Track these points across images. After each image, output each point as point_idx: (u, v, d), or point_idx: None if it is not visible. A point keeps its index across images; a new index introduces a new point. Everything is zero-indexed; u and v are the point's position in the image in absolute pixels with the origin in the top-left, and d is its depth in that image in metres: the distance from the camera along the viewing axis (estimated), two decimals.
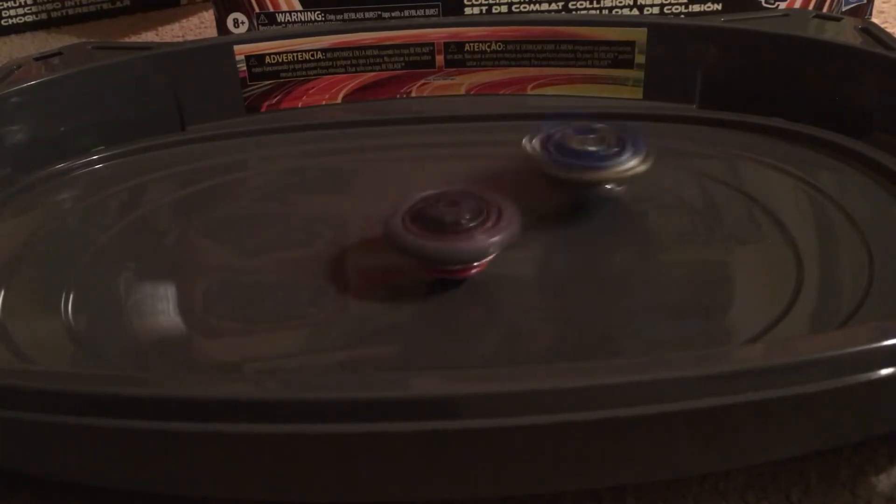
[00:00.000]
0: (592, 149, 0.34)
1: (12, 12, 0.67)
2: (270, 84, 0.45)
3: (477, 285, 0.31)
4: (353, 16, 0.54)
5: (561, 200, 0.36)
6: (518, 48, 0.45)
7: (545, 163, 0.34)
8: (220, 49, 0.44)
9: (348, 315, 0.31)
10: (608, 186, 0.35)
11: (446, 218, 0.30)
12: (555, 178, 0.34)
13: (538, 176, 0.34)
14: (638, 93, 0.44)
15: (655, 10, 0.54)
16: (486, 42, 0.45)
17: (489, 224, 0.30)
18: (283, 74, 0.45)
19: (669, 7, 0.54)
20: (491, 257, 0.30)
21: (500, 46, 0.45)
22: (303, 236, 0.35)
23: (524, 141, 0.35)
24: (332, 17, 0.54)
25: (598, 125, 0.35)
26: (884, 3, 0.62)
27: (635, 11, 0.54)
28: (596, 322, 0.30)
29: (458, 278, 0.31)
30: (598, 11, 0.54)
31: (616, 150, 0.33)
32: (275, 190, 0.39)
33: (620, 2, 0.54)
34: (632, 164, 0.33)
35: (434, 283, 0.31)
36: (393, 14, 0.54)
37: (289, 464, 0.21)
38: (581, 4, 0.54)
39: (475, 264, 0.30)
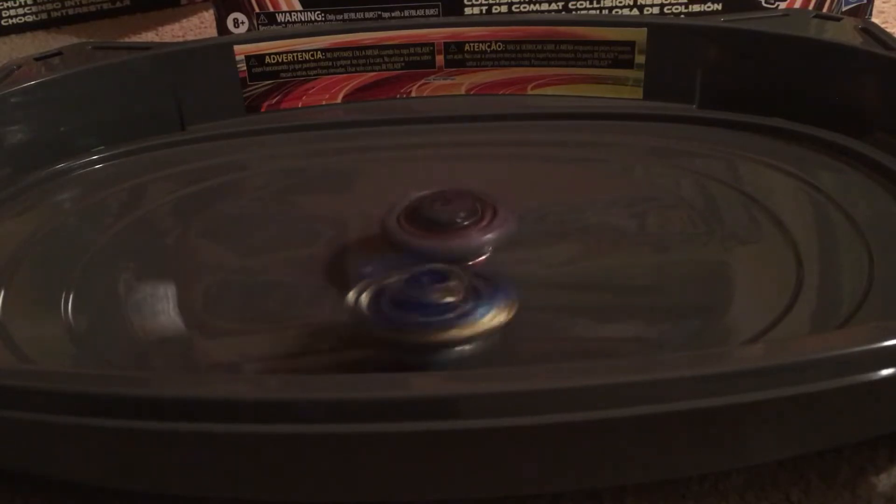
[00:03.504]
0: (439, 300, 0.26)
1: (12, 12, 0.67)
2: (270, 84, 0.45)
3: None
4: (353, 16, 0.54)
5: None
6: (518, 48, 0.45)
7: (370, 324, 0.26)
8: (220, 49, 0.44)
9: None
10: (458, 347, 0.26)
11: (441, 217, 0.29)
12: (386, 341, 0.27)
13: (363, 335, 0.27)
14: (638, 93, 0.44)
15: (655, 10, 0.54)
16: (486, 42, 0.45)
17: (484, 223, 0.30)
18: (283, 74, 0.45)
19: (669, 7, 0.54)
20: (485, 256, 0.30)
21: (500, 46, 0.45)
22: (303, 236, 0.35)
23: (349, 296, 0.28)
24: (332, 17, 0.54)
25: (441, 268, 0.27)
26: (884, 3, 0.62)
27: (635, 11, 0.54)
28: (595, 322, 0.30)
29: None
30: (598, 11, 0.54)
31: (465, 297, 0.26)
32: (275, 190, 0.39)
33: (620, 2, 0.54)
34: (488, 315, 0.26)
35: None
36: (393, 14, 0.54)
37: (289, 464, 0.21)
38: (581, 4, 0.54)
39: (469, 263, 0.30)
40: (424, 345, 0.26)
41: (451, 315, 0.25)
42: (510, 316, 0.26)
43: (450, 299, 0.26)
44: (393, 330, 0.26)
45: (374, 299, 0.26)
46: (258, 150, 0.43)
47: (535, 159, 0.41)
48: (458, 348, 0.26)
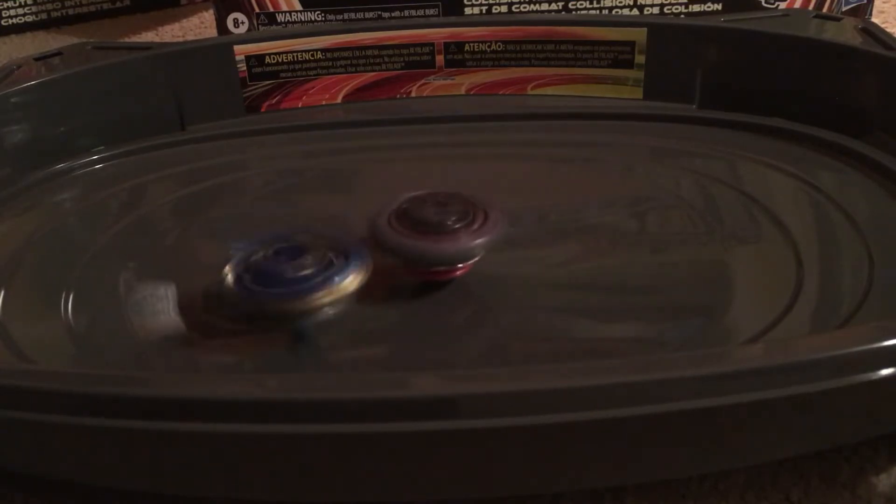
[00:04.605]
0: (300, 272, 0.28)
1: (12, 12, 0.67)
2: (270, 84, 0.45)
3: (470, 285, 0.31)
4: (353, 16, 0.54)
5: None
6: (518, 48, 0.45)
7: (240, 300, 0.28)
8: (220, 49, 0.44)
9: (347, 315, 0.31)
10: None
11: (432, 219, 0.29)
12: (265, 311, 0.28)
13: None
14: (638, 93, 0.44)
15: (655, 10, 0.54)
16: (486, 42, 0.45)
17: (475, 226, 0.29)
18: (282, 74, 0.45)
19: (669, 7, 0.54)
20: (476, 258, 0.30)
21: (500, 46, 0.45)
22: None
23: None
24: (332, 17, 0.54)
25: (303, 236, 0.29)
26: (884, 3, 0.62)
27: (635, 11, 0.54)
28: (595, 322, 0.30)
29: (443, 280, 0.30)
30: (598, 11, 0.54)
31: (328, 265, 0.28)
32: (275, 190, 0.39)
33: (620, 2, 0.54)
34: (346, 279, 0.28)
35: (428, 284, 0.31)
36: (393, 14, 0.54)
37: (289, 464, 0.21)
38: (581, 4, 0.54)
39: (459, 266, 0.30)
40: (288, 313, 0.28)
41: (307, 285, 0.27)
42: (364, 280, 0.28)
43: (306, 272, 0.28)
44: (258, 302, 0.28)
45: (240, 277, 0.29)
46: (258, 150, 0.43)
47: (535, 159, 0.41)
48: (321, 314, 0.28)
